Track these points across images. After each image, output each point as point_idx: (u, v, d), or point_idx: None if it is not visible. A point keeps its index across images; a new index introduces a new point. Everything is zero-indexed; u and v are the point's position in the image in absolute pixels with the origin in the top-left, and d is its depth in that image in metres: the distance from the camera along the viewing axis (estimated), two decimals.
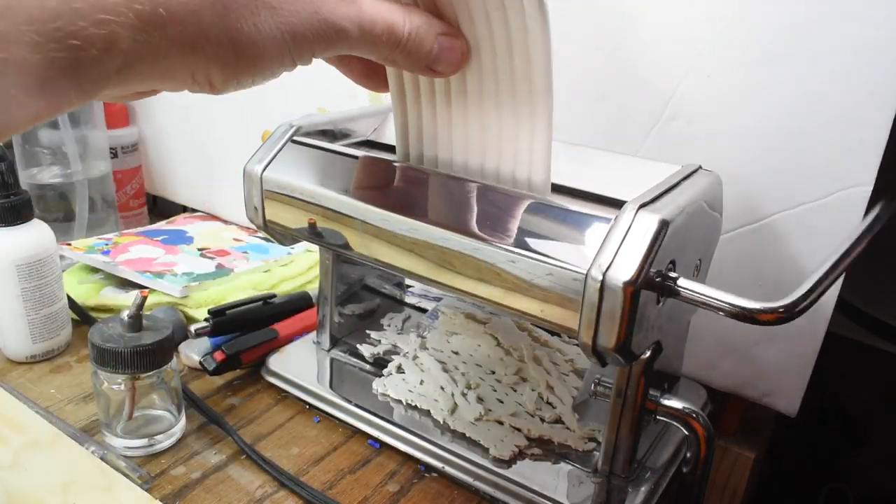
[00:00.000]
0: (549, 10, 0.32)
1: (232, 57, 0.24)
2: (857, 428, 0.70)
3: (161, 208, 0.88)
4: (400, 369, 0.49)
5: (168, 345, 0.43)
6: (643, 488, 0.41)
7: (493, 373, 0.48)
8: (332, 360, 0.52)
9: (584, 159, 0.43)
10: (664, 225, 0.31)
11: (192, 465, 0.43)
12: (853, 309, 0.62)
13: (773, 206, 0.44)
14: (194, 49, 0.22)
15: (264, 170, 0.43)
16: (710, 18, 0.43)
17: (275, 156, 0.44)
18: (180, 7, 0.21)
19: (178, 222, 0.75)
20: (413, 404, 0.46)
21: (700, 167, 0.39)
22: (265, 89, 0.30)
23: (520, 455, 0.43)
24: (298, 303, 0.57)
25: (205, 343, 0.52)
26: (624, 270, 0.30)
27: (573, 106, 0.51)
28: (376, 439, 0.45)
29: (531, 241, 0.33)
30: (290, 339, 0.54)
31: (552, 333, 0.52)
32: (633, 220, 0.31)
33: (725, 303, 0.31)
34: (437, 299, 0.58)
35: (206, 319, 0.50)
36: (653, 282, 0.31)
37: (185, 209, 0.84)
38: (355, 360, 0.51)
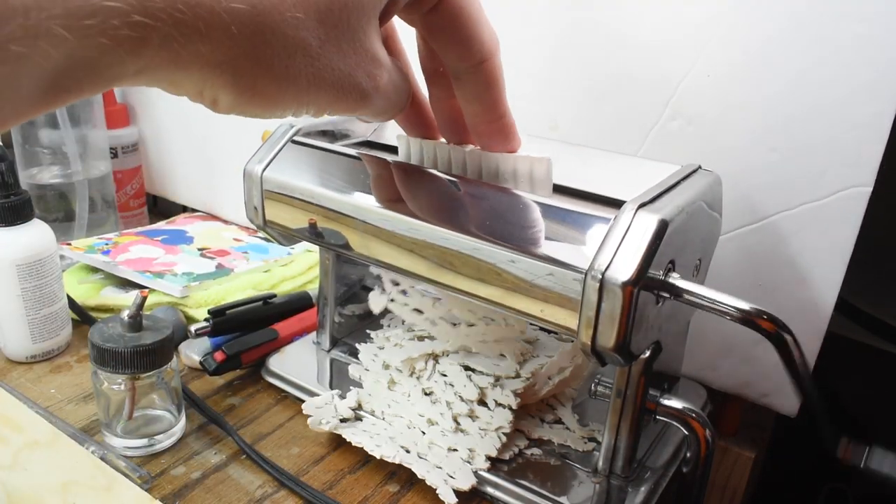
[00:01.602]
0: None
1: (249, 90, 0.23)
2: (856, 428, 0.70)
3: (161, 208, 0.88)
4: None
5: (168, 345, 0.43)
6: (643, 488, 0.41)
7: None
8: (332, 361, 0.52)
9: (584, 159, 0.43)
10: (663, 225, 0.31)
11: (192, 465, 0.43)
12: (853, 309, 0.62)
13: (773, 206, 0.45)
14: (216, 71, 0.22)
15: (264, 170, 0.43)
16: (710, 18, 0.43)
17: (275, 156, 0.44)
18: (220, 28, 0.20)
19: (178, 222, 0.75)
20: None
21: (699, 167, 0.39)
22: None
23: (520, 455, 0.43)
24: (298, 303, 0.57)
25: (205, 343, 0.52)
26: (623, 270, 0.30)
27: (573, 106, 0.51)
28: None
29: (531, 241, 0.33)
30: (290, 340, 0.54)
31: (549, 332, 0.52)
32: (632, 220, 0.31)
33: (726, 305, 0.31)
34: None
35: (206, 319, 0.50)
36: (652, 282, 0.31)
37: (185, 209, 0.84)
38: (355, 360, 0.51)
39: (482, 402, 0.44)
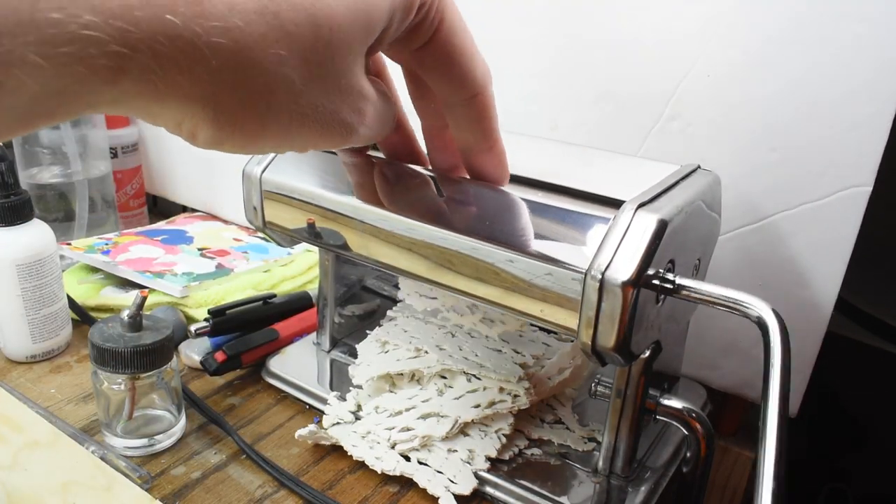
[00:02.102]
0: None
1: (229, 125, 0.22)
2: (857, 428, 0.70)
3: (161, 208, 0.88)
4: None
5: (168, 345, 0.43)
6: (643, 488, 0.41)
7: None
8: (332, 361, 0.52)
9: (584, 159, 0.43)
10: (663, 224, 0.31)
11: (192, 465, 0.43)
12: (853, 309, 0.62)
13: (773, 206, 0.45)
14: (196, 105, 0.21)
15: (264, 171, 0.43)
16: (710, 18, 0.43)
17: (274, 157, 0.44)
18: (200, 62, 0.20)
19: (178, 222, 0.75)
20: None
21: (699, 167, 0.39)
22: None
23: (520, 455, 0.43)
24: (298, 303, 0.57)
25: (205, 343, 0.52)
26: (623, 270, 0.30)
27: (573, 106, 0.51)
28: None
29: (530, 241, 0.33)
30: (290, 340, 0.54)
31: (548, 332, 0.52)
32: (631, 220, 0.31)
33: (727, 298, 0.31)
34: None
35: (206, 319, 0.51)
36: (652, 281, 0.31)
37: (185, 209, 0.84)
38: (355, 361, 0.51)
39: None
